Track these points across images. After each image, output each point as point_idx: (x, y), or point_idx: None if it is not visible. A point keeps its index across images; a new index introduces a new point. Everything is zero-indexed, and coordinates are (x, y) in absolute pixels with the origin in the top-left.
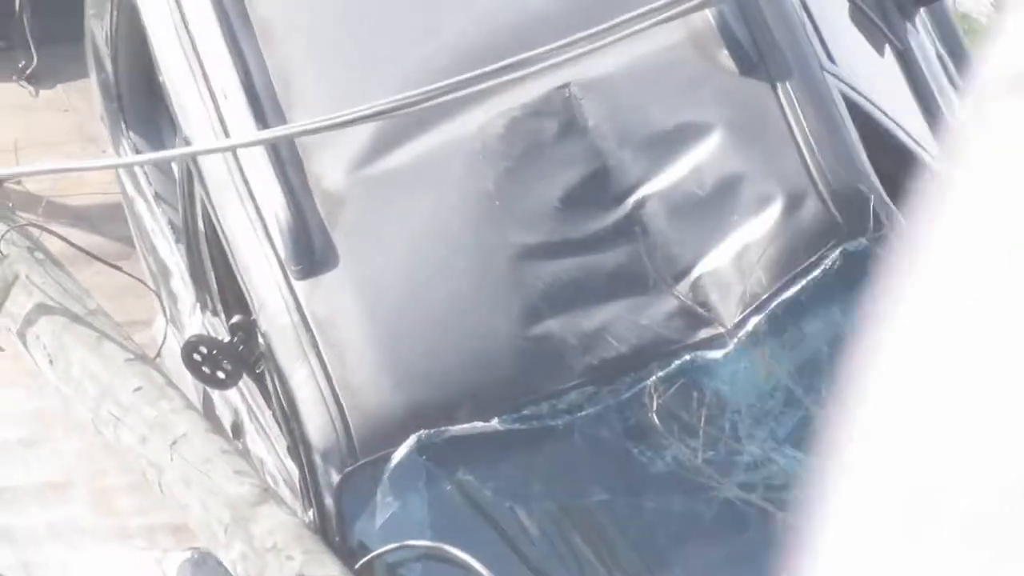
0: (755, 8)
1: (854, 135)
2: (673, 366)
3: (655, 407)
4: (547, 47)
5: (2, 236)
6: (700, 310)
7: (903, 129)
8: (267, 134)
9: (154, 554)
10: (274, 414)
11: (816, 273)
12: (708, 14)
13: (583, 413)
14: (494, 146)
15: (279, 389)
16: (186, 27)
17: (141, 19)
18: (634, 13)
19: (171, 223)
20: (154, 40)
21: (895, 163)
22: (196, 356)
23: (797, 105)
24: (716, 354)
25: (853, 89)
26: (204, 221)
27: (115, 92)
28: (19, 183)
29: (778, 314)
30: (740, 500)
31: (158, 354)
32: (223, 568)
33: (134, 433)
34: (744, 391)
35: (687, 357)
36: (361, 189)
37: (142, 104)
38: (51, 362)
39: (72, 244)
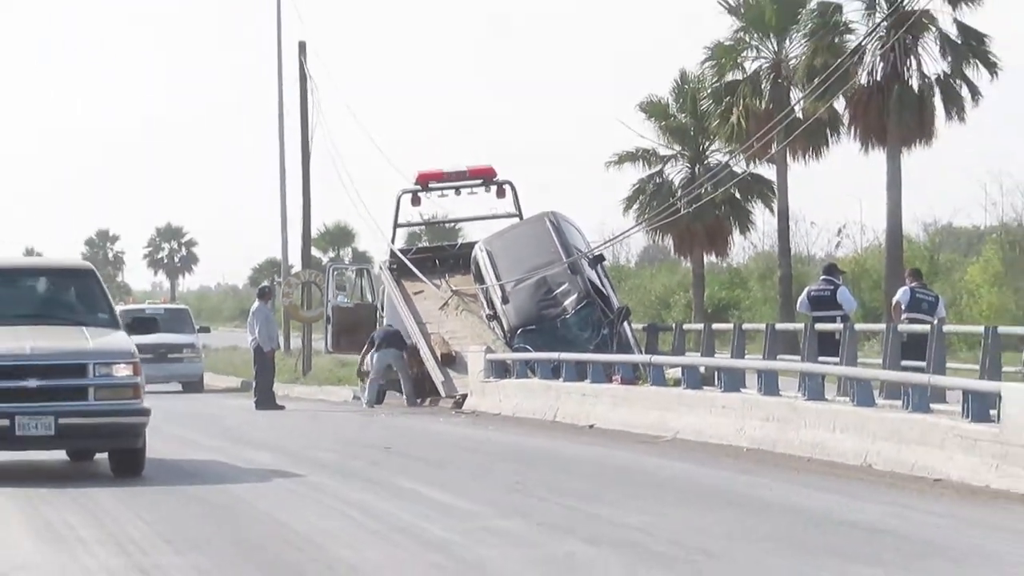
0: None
1: (591, 284)
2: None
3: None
4: (535, 271)
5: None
6: (566, 312)
7: (600, 291)
8: (498, 282)
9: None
10: (498, 329)
11: (584, 307)
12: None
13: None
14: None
15: (501, 329)
16: (483, 269)
17: (480, 265)
18: (566, 261)
19: (493, 313)
20: (482, 269)
21: (599, 295)
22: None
23: (580, 275)
24: (573, 317)
25: (590, 275)
26: (490, 304)
27: (488, 280)
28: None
29: (581, 313)
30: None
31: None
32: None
33: None
34: (579, 326)
35: (566, 317)
36: (513, 294)
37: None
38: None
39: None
